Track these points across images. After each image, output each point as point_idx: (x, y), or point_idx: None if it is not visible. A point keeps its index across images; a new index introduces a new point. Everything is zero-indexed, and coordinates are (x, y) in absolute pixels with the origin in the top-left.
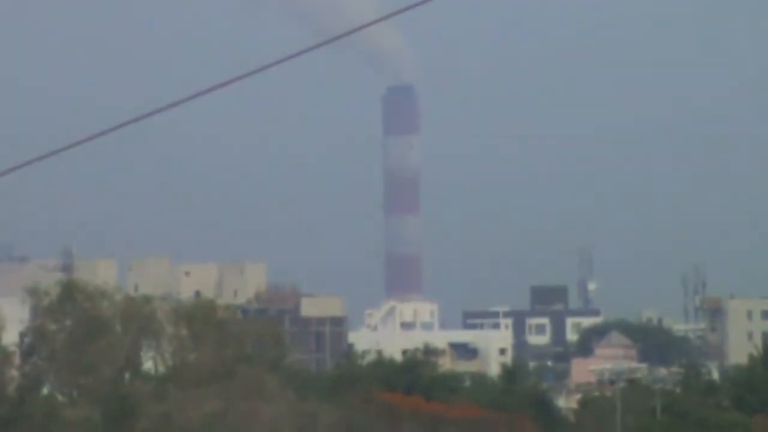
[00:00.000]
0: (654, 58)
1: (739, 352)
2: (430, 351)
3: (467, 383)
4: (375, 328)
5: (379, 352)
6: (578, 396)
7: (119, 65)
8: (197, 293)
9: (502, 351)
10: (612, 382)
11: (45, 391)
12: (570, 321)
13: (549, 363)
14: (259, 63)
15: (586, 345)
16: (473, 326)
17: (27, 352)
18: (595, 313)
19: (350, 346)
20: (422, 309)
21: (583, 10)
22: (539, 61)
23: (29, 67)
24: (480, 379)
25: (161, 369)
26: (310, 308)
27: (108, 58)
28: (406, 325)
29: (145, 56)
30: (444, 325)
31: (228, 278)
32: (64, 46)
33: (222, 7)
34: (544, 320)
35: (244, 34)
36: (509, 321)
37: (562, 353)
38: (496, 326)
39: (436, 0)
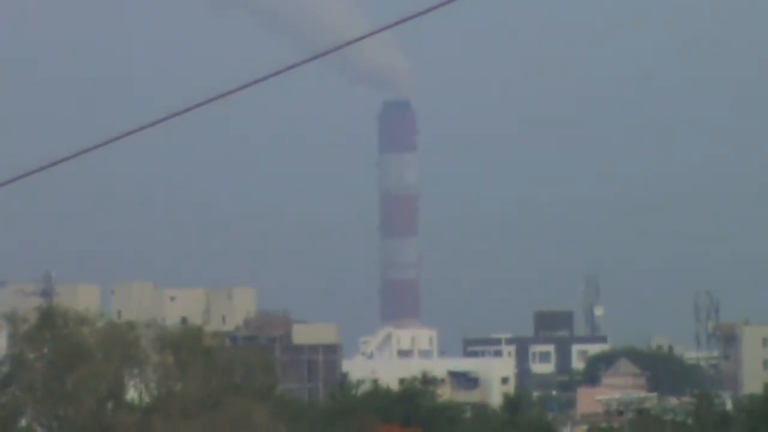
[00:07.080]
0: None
1: (754, 380)
2: (428, 380)
3: (468, 414)
4: (370, 356)
5: (375, 382)
6: (584, 427)
7: (89, 84)
8: (183, 319)
9: (505, 380)
10: (620, 413)
11: (23, 423)
12: (576, 348)
13: (554, 392)
14: (242, 80)
15: (592, 373)
16: (474, 354)
17: (4, 382)
18: (603, 339)
19: (344, 375)
20: (420, 336)
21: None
22: (540, 73)
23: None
24: (481, 409)
25: (146, 399)
26: (302, 335)
27: (78, 76)
28: (404, 353)
29: (113, 75)
30: (443, 352)
31: (216, 304)
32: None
33: (194, 21)
34: (549, 347)
35: (219, 50)
36: (512, 348)
37: (568, 382)
38: (498, 354)
39: (433, 13)
